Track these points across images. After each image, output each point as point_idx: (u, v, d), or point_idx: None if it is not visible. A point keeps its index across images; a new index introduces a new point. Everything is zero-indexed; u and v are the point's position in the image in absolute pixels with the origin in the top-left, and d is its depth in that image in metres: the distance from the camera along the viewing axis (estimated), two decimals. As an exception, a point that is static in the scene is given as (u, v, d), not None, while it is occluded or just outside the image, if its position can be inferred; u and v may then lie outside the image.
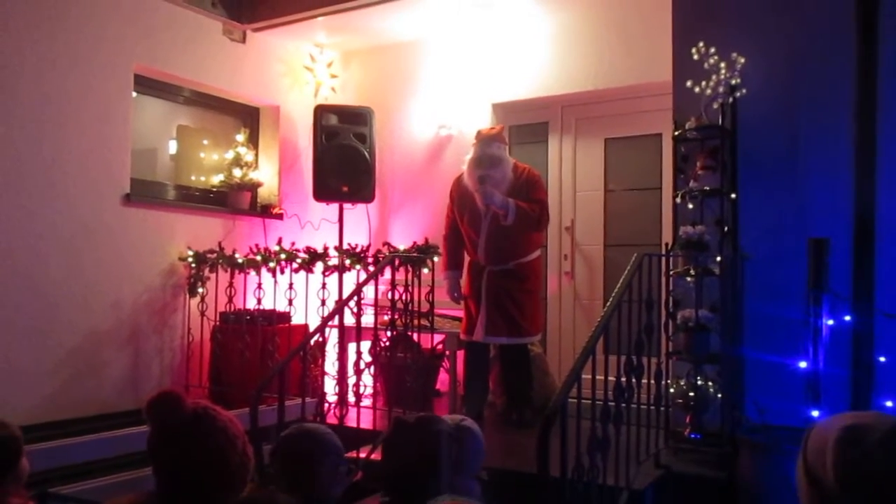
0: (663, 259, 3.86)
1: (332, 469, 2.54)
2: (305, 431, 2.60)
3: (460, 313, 5.02)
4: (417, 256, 4.68)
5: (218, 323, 5.38)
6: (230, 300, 5.31)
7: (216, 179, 5.93)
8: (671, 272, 3.94)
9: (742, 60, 3.83)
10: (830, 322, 3.40)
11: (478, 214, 4.61)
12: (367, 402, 4.74)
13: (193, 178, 5.97)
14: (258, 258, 5.25)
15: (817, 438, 1.50)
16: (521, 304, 4.59)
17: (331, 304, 4.90)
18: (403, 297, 4.54)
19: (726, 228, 3.88)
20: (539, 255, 4.79)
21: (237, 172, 5.91)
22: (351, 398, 4.53)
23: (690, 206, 4.03)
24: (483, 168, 4.51)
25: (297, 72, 6.35)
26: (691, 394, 3.80)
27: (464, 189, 4.67)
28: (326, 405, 4.59)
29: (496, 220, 4.53)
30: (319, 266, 5.12)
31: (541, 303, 4.85)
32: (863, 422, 1.47)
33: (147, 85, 5.48)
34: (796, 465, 1.54)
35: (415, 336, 4.65)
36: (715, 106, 3.90)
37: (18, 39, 4.57)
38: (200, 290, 5.40)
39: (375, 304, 5.12)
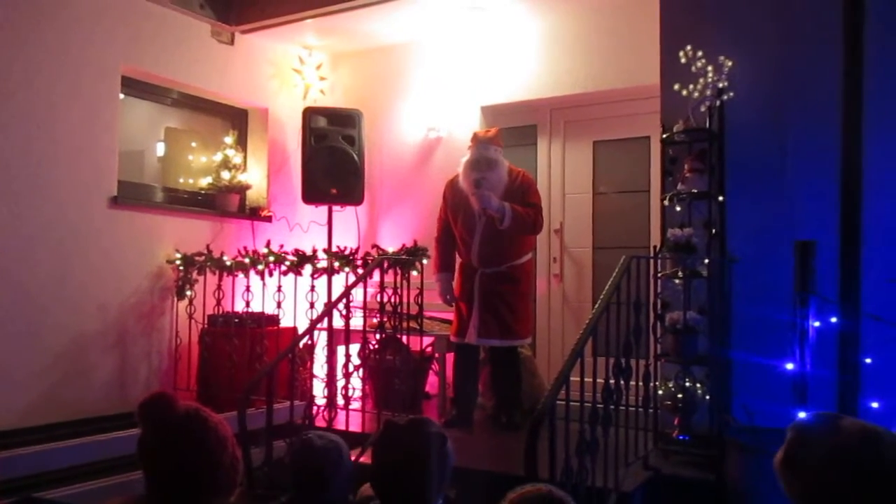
0: (651, 261, 3.87)
1: (342, 485, 2.53)
2: (317, 446, 2.57)
3: (449, 316, 5.02)
4: (406, 259, 4.67)
5: (206, 326, 5.36)
6: (218, 303, 5.29)
7: (204, 182, 5.90)
8: (659, 274, 3.95)
9: (729, 64, 3.85)
10: (817, 324, 3.42)
11: (472, 217, 4.61)
12: (355, 404, 4.73)
13: (181, 180, 5.94)
14: (246, 261, 5.23)
15: (835, 446, 1.66)
16: (513, 306, 4.59)
17: (319, 307, 4.89)
18: (392, 300, 4.53)
19: (714, 231, 3.89)
20: (531, 258, 4.79)
21: (225, 175, 5.89)
22: (340, 401, 4.52)
23: (678, 208, 4.05)
24: (479, 171, 4.50)
25: (286, 74, 6.34)
26: (679, 396, 3.81)
27: (458, 191, 4.66)
28: (315, 408, 4.57)
29: (491, 222, 4.52)
30: (308, 269, 5.10)
31: (531, 305, 4.86)
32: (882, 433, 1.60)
33: (135, 87, 5.46)
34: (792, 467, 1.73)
35: (404, 338, 4.65)
36: (702, 109, 3.92)
37: (6, 41, 4.53)
38: (188, 292, 5.38)
39: (364, 307, 5.11)
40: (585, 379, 3.05)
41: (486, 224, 4.56)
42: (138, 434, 1.94)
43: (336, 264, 5.10)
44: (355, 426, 4.51)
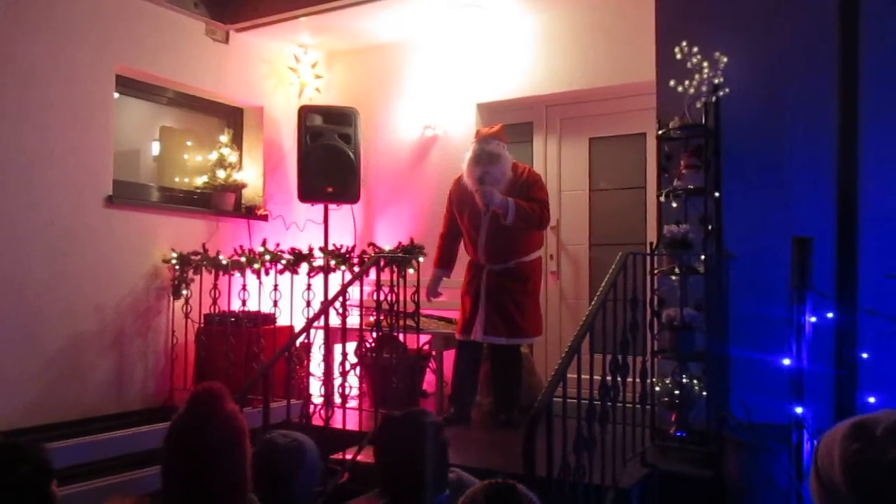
0: (648, 258, 3.87)
1: (304, 485, 2.51)
2: (278, 444, 2.56)
3: (447, 313, 5.00)
4: (403, 257, 4.67)
5: (202, 325, 5.35)
6: (214, 302, 5.27)
7: (200, 181, 5.88)
8: (656, 271, 3.95)
9: (725, 60, 3.85)
10: (814, 319, 3.42)
11: (478, 213, 4.58)
12: (353, 403, 4.73)
13: (177, 179, 5.93)
14: (243, 259, 5.22)
15: (827, 440, 1.45)
16: (520, 304, 4.56)
17: (316, 306, 4.87)
18: (389, 298, 4.52)
19: (710, 227, 3.89)
20: (539, 256, 4.75)
21: (221, 173, 5.87)
22: (337, 399, 4.51)
23: (674, 205, 4.04)
24: (482, 165, 4.48)
25: (281, 72, 6.33)
26: (676, 392, 3.81)
27: (463, 188, 4.64)
28: (312, 406, 4.56)
29: (496, 218, 4.50)
30: (304, 267, 5.09)
31: (540, 303, 4.82)
32: (869, 417, 1.42)
33: (129, 86, 5.44)
34: (809, 473, 1.49)
35: (401, 336, 4.64)
36: (698, 105, 3.92)
37: (0, 41, 4.53)
38: (184, 292, 5.37)
39: (361, 305, 5.10)
40: (582, 376, 3.04)
41: (492, 220, 4.54)
42: (178, 418, 1.91)
43: (332, 263, 5.09)
44: (352, 425, 4.50)
